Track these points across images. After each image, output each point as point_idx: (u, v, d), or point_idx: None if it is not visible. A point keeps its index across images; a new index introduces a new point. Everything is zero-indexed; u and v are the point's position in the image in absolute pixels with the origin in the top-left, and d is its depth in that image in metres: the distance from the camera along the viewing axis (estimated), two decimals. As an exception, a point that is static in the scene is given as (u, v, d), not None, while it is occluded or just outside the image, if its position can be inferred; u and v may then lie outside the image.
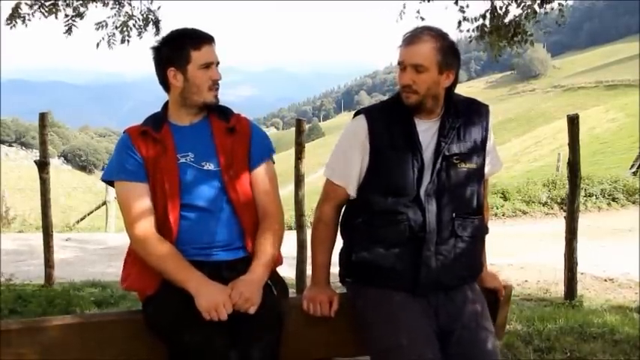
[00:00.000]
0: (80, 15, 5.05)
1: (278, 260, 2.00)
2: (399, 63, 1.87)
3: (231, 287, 1.75)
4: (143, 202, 1.84)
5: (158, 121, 1.92)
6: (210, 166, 1.88)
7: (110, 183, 1.95)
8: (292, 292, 4.35)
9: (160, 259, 1.78)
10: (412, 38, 1.85)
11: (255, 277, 1.79)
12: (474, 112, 1.97)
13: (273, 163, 2.06)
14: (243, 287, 1.74)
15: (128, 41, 5.22)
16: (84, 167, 71.17)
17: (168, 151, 1.86)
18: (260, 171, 1.96)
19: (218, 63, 1.92)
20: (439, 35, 1.85)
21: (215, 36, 1.93)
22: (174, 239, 1.83)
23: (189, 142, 1.90)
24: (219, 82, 1.91)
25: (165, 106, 1.97)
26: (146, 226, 1.82)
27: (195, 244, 1.86)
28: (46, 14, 4.91)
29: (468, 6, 4.90)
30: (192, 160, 1.88)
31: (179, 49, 1.88)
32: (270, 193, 1.97)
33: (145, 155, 1.85)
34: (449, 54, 1.84)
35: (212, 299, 1.69)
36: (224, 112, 1.98)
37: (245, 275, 1.79)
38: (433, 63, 1.82)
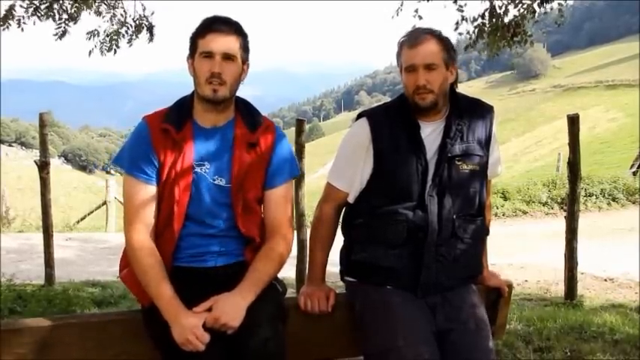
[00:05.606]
0: (74, 19, 5.03)
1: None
2: (409, 67, 1.85)
3: (212, 305, 1.67)
4: (147, 208, 1.79)
5: (182, 116, 1.82)
6: (221, 182, 1.81)
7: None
8: (292, 292, 4.36)
9: (142, 274, 1.75)
10: (417, 40, 1.85)
11: (239, 299, 1.69)
12: (479, 112, 1.98)
13: (296, 176, 1.93)
14: (223, 310, 1.65)
15: (116, 51, 5.22)
16: (84, 167, 71.25)
17: (186, 156, 1.78)
18: (274, 192, 1.88)
19: (229, 55, 1.76)
20: (436, 33, 1.89)
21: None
22: (174, 247, 1.81)
23: (208, 150, 1.82)
24: (224, 77, 1.75)
25: (193, 96, 1.86)
26: (142, 236, 1.78)
27: (193, 251, 1.83)
28: (41, 18, 4.90)
29: (465, 4, 4.86)
30: (206, 171, 1.81)
31: (192, 38, 1.81)
32: (281, 215, 1.88)
33: (161, 157, 1.78)
34: (450, 49, 1.89)
35: (184, 335, 1.62)
36: (252, 116, 1.86)
37: (230, 294, 1.70)
38: (441, 60, 1.86)
